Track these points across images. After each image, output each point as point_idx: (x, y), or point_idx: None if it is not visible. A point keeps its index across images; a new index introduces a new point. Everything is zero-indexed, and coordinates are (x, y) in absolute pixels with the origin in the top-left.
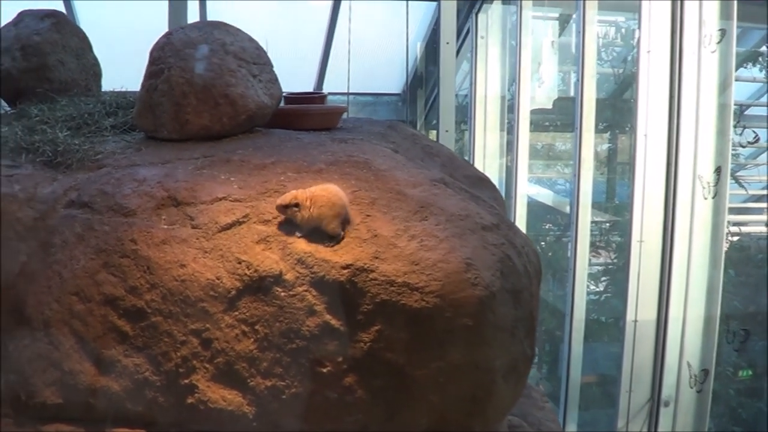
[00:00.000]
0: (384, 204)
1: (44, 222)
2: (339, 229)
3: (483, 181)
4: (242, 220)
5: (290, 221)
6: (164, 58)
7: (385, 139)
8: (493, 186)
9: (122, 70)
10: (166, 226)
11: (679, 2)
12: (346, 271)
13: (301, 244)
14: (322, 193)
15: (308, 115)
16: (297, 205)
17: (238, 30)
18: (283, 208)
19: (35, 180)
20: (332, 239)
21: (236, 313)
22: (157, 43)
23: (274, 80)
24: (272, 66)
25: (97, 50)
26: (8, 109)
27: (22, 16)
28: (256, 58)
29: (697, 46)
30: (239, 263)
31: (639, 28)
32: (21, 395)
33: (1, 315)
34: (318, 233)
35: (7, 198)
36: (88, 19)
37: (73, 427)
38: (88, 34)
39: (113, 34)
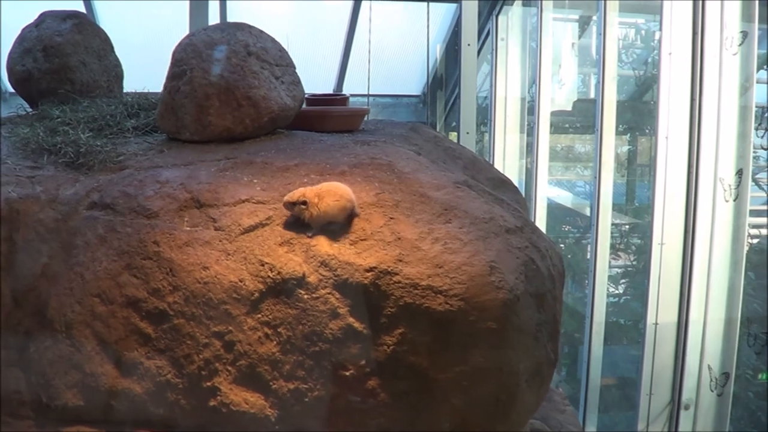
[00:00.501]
0: (408, 206)
1: (66, 223)
2: (345, 222)
3: (505, 183)
4: (265, 222)
5: (299, 220)
6: (187, 60)
7: (407, 141)
8: (516, 188)
9: (143, 70)
10: (188, 228)
11: (700, 4)
12: (369, 273)
13: (324, 247)
14: (328, 189)
15: (331, 117)
16: (305, 202)
17: (261, 31)
18: (291, 205)
19: (57, 181)
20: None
21: (259, 315)
22: (179, 44)
23: (297, 82)
24: (295, 68)
25: (118, 51)
26: (30, 110)
27: (44, 17)
28: (278, 60)
29: (718, 48)
30: (262, 265)
31: (660, 30)
32: (42, 397)
33: (23, 317)
34: (327, 230)
35: (29, 199)
36: (108, 19)
37: (94, 429)
38: (108, 35)
39: (134, 34)
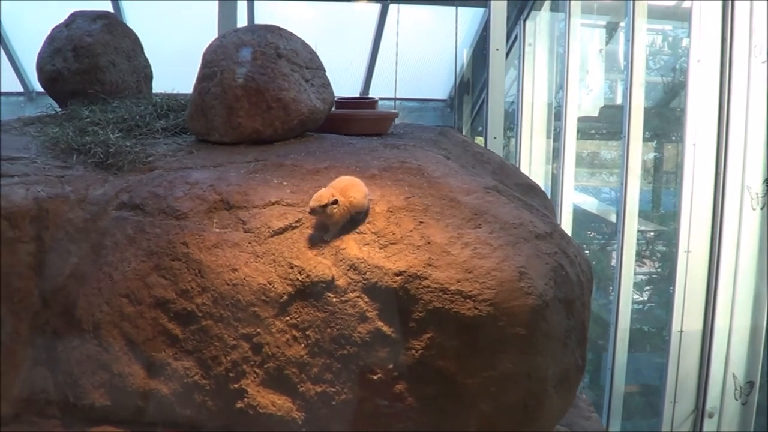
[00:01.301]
0: (437, 211)
1: (95, 224)
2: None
3: (534, 189)
4: (295, 225)
5: (321, 226)
6: (217, 61)
7: (436, 145)
8: (544, 194)
9: (170, 72)
10: (218, 230)
11: (729, 11)
12: (398, 277)
13: (353, 250)
14: (345, 184)
15: (360, 120)
16: (336, 201)
17: (292, 34)
18: (322, 207)
19: (87, 181)
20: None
21: (287, 318)
22: (209, 45)
23: (327, 85)
24: (325, 70)
25: (147, 52)
26: (59, 109)
27: (74, 17)
28: (308, 62)
29: (747, 56)
30: (291, 268)
31: (689, 36)
32: (69, 397)
33: (51, 316)
34: (350, 224)
35: (59, 199)
36: (136, 20)
37: (121, 429)
38: (138, 36)
39: (161, 35)
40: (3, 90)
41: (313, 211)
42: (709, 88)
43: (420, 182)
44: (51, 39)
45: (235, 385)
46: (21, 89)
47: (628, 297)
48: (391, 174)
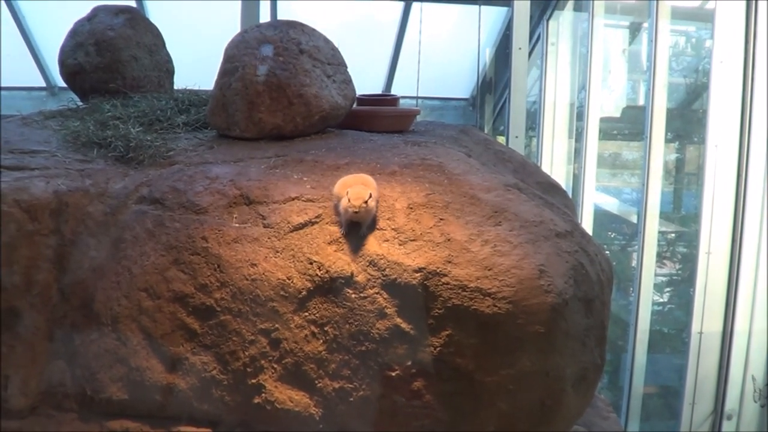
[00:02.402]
0: (457, 208)
1: (115, 217)
2: None
3: (555, 187)
4: (315, 221)
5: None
6: (238, 57)
7: (457, 143)
8: (565, 193)
9: (192, 68)
10: (237, 225)
11: (753, 13)
12: (418, 274)
13: (373, 246)
14: (360, 181)
15: (381, 117)
16: (370, 194)
17: (314, 30)
18: (365, 203)
19: (107, 175)
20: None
21: (306, 313)
22: (231, 41)
23: (348, 81)
24: (346, 67)
25: (169, 48)
26: (81, 103)
27: (97, 11)
28: (330, 59)
29: None
30: (310, 264)
31: (712, 38)
32: (87, 390)
33: (70, 310)
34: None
35: (79, 192)
36: (158, 15)
37: (138, 423)
38: (160, 30)
39: (185, 31)
40: (26, 85)
41: (360, 210)
42: (731, 90)
43: (440, 179)
44: (73, 33)
45: (253, 381)
46: (44, 84)
47: (648, 298)
48: (411, 171)
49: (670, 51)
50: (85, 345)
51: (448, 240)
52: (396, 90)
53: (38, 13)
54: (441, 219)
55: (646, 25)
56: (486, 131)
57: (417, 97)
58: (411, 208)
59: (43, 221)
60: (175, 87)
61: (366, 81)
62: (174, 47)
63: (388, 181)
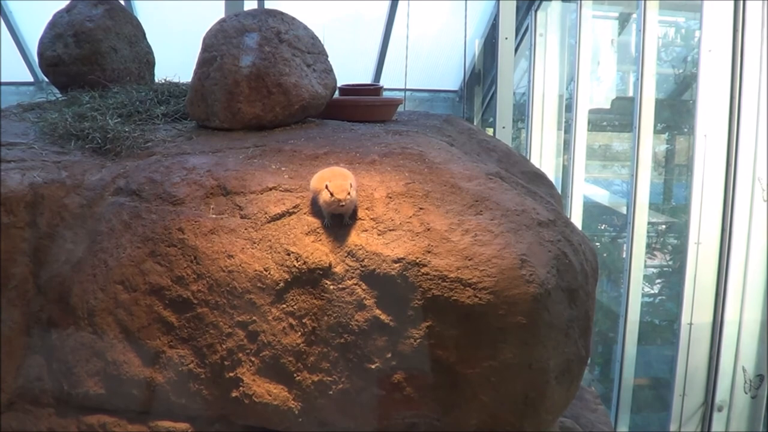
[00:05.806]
0: (438, 197)
1: (91, 209)
2: None
3: (540, 177)
4: (292, 211)
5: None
6: (217, 46)
7: (440, 132)
8: (550, 182)
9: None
10: (214, 216)
11: (741, 2)
12: (397, 265)
13: (351, 237)
14: (336, 173)
15: (363, 107)
16: (351, 184)
17: (294, 18)
18: (348, 194)
19: (83, 167)
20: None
21: (284, 305)
22: (210, 29)
23: (329, 70)
24: (327, 56)
25: (153, 41)
26: (60, 95)
27: (76, 2)
28: (310, 48)
29: (759, 46)
30: (288, 255)
31: (700, 27)
32: (64, 385)
33: (46, 303)
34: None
35: (55, 184)
36: (144, 9)
37: (115, 418)
38: (140, 22)
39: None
40: (13, 80)
41: (343, 202)
42: (720, 79)
43: (421, 168)
44: (52, 24)
45: (231, 374)
46: (31, 79)
47: (638, 289)
48: (391, 160)
49: (659, 42)
50: (62, 339)
51: (428, 229)
52: (385, 82)
53: (25, 9)
54: (421, 208)
55: (635, 15)
56: (475, 123)
57: (405, 90)
58: (390, 198)
59: (19, 214)
60: (157, 79)
61: (355, 74)
62: (157, 40)
63: (368, 171)
